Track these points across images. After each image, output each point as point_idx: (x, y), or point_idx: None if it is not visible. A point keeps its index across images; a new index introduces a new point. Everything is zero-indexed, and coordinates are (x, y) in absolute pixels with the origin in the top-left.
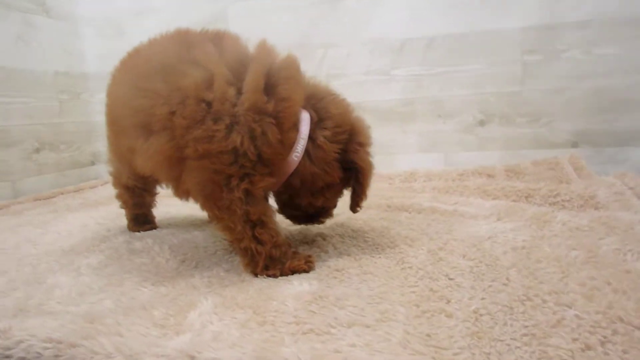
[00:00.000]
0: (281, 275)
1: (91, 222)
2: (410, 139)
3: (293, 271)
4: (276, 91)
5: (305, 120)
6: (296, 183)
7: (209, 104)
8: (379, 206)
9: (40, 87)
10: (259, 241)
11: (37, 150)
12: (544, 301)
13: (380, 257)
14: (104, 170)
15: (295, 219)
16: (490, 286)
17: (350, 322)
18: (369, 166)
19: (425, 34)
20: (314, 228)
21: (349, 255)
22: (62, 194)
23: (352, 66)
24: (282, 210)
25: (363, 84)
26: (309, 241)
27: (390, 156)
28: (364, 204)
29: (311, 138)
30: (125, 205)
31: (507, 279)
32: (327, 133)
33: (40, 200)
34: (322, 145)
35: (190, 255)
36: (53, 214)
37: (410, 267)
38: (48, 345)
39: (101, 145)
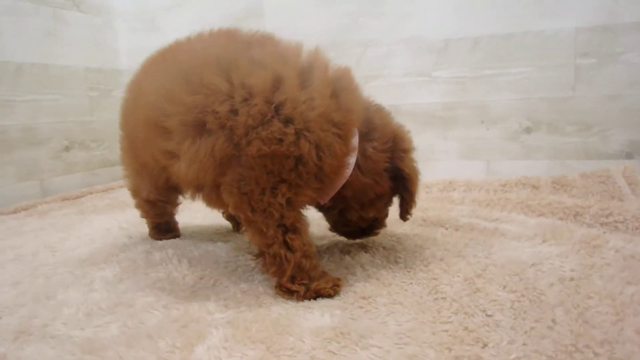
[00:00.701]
0: (305, 295)
1: (114, 227)
2: (451, 145)
3: (317, 294)
4: (339, 101)
5: (355, 133)
6: (348, 194)
7: (278, 107)
8: (414, 220)
9: (70, 83)
10: (289, 247)
11: (67, 149)
12: (596, 355)
13: (411, 284)
14: None
15: (349, 234)
16: (533, 328)
17: None
18: (415, 173)
19: (470, 34)
20: (343, 246)
21: (377, 279)
22: (90, 193)
23: (391, 66)
24: (334, 227)
25: (402, 86)
26: (336, 260)
27: (429, 163)
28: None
29: (360, 150)
30: (146, 215)
31: (553, 320)
32: (375, 144)
33: (68, 200)
34: (372, 156)
35: (209, 272)
36: (79, 215)
37: (444, 298)
38: None
39: None
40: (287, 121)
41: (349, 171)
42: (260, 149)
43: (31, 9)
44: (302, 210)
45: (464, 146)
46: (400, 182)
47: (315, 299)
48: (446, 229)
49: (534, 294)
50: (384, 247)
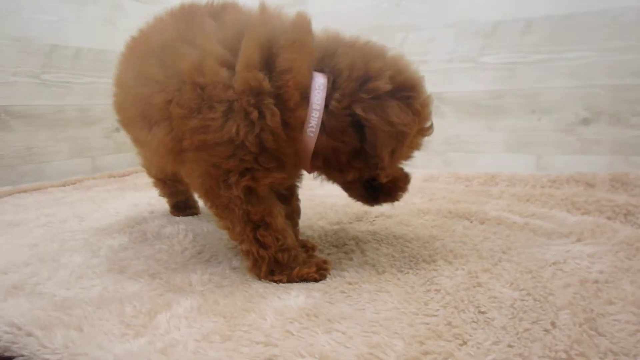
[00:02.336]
0: (288, 282)
1: (142, 202)
2: (498, 136)
3: (301, 279)
4: (276, 63)
5: (318, 88)
6: (318, 163)
7: (202, 88)
8: (440, 211)
9: None
10: (261, 244)
11: (117, 129)
12: None
13: (407, 274)
14: None
15: (360, 200)
16: (527, 330)
17: (325, 354)
18: (379, 120)
19: (522, 16)
20: (355, 233)
21: (373, 266)
22: (135, 172)
23: (434, 51)
24: (347, 192)
25: (445, 72)
26: (339, 244)
27: (472, 155)
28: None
29: (327, 106)
30: (162, 194)
31: (553, 324)
32: (338, 95)
33: (114, 177)
34: (335, 111)
35: (208, 247)
36: (118, 191)
37: (437, 290)
38: (8, 329)
39: None
40: (211, 106)
41: (312, 134)
42: (192, 142)
43: None
44: (274, 198)
45: (512, 138)
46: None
47: (301, 282)
48: (471, 221)
49: (541, 294)
50: (394, 236)
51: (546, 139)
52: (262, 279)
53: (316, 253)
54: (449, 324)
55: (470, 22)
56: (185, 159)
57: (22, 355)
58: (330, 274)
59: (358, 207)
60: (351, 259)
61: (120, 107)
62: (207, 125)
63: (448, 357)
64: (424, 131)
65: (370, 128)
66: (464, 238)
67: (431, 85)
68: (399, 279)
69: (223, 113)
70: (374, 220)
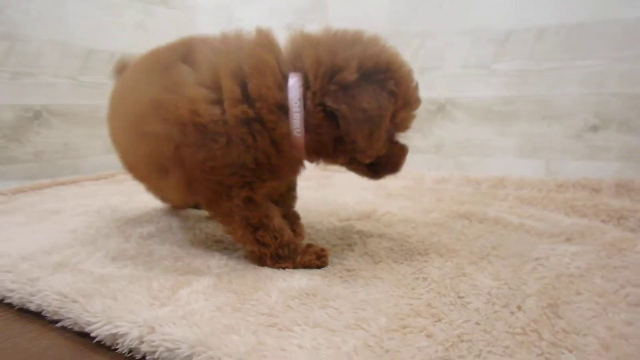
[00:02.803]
0: (293, 268)
1: None
2: (509, 141)
3: (304, 266)
4: (249, 92)
5: (294, 92)
6: (313, 156)
7: (204, 127)
8: (443, 211)
9: None
10: (261, 244)
11: None
12: (540, 339)
13: (402, 264)
14: None
15: (360, 174)
16: (496, 312)
17: (318, 323)
18: (349, 108)
19: (535, 24)
20: (361, 227)
21: (371, 257)
22: None
23: (449, 57)
24: (352, 171)
25: (459, 78)
26: (344, 237)
27: (483, 159)
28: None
29: (305, 105)
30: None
31: (519, 307)
32: (310, 93)
33: None
34: (310, 109)
35: (226, 237)
36: None
37: (425, 278)
38: (57, 297)
39: None
40: (214, 139)
41: (299, 134)
42: (201, 169)
43: (125, 3)
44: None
45: (522, 143)
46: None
47: (307, 267)
48: (470, 221)
49: (516, 284)
50: (397, 232)
51: (556, 145)
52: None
53: (321, 245)
54: (429, 305)
55: (485, 29)
56: (194, 182)
57: (69, 318)
58: (330, 262)
59: (367, 205)
60: (353, 250)
61: (125, 159)
62: (214, 154)
63: (422, 331)
64: (410, 105)
65: (342, 117)
66: (460, 235)
67: (446, 91)
68: (392, 268)
69: (225, 143)
70: (380, 218)
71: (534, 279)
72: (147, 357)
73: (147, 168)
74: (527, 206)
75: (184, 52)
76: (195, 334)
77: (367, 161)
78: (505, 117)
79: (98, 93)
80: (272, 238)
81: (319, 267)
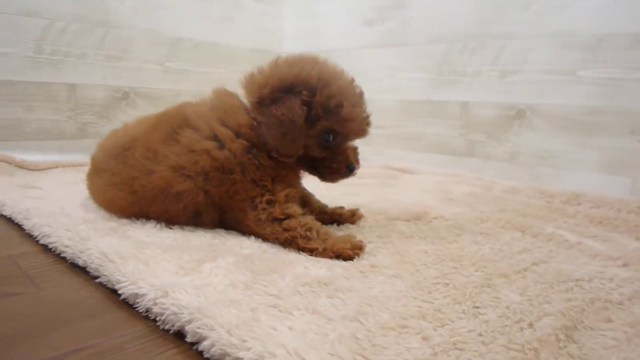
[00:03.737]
0: (324, 253)
1: None
2: (591, 155)
3: (336, 254)
4: (234, 128)
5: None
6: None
7: (222, 166)
8: (498, 221)
9: (237, 61)
10: (289, 229)
11: None
12: (535, 358)
13: (429, 268)
14: None
15: (314, 175)
16: (505, 326)
17: (318, 311)
18: (265, 117)
19: (630, 29)
20: (403, 226)
21: (402, 256)
22: None
23: (532, 62)
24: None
25: (542, 84)
26: (384, 235)
27: (561, 171)
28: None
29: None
30: None
31: (531, 324)
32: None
33: None
34: (255, 125)
35: None
36: None
37: (446, 284)
38: (99, 256)
39: None
40: (231, 170)
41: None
42: (227, 195)
43: None
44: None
45: (606, 158)
46: None
47: (336, 258)
48: (523, 234)
49: (540, 302)
50: (440, 236)
51: None
52: (301, 251)
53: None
54: (439, 310)
55: (572, 33)
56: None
57: (104, 275)
58: (362, 256)
59: (420, 207)
60: (386, 248)
61: (160, 218)
62: (235, 181)
63: (419, 333)
64: (329, 112)
65: (258, 125)
66: (504, 247)
67: (525, 96)
68: (417, 270)
69: (240, 171)
70: (429, 221)
71: (562, 299)
72: (157, 318)
73: (185, 217)
74: (595, 226)
75: (181, 121)
76: (200, 303)
77: (288, 161)
78: (589, 128)
79: (181, 79)
80: (297, 223)
81: (350, 257)
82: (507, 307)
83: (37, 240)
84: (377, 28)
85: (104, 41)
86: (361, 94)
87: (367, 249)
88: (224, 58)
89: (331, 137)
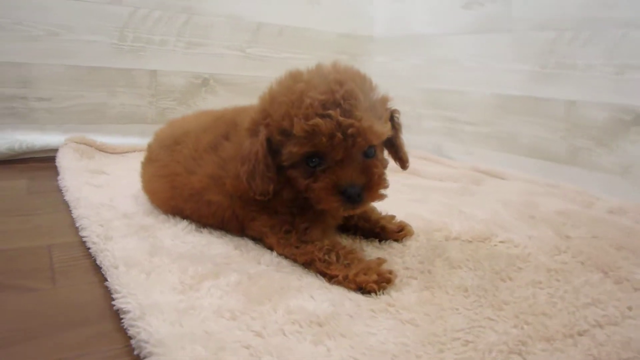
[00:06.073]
0: (344, 283)
1: None
2: None
3: (359, 286)
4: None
5: None
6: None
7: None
8: (580, 253)
9: (321, 46)
10: (304, 253)
11: None
12: None
13: (459, 314)
14: None
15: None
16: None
17: (292, 348)
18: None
19: None
20: (460, 248)
21: (433, 294)
22: None
23: None
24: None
25: None
26: (426, 261)
27: None
28: None
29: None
30: None
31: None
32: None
33: None
34: None
35: None
36: None
37: (467, 343)
38: (111, 259)
39: None
40: (249, 201)
41: None
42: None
43: None
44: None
45: None
46: None
47: (358, 291)
48: (604, 275)
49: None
50: (495, 270)
51: None
52: (320, 274)
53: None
54: None
55: None
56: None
57: (107, 281)
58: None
59: (490, 226)
60: (420, 280)
61: (192, 217)
62: (258, 208)
63: None
64: (286, 127)
65: None
66: (569, 294)
67: None
68: (441, 316)
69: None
70: (495, 245)
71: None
72: (131, 339)
73: (214, 221)
74: None
75: (229, 129)
76: (168, 333)
77: (257, 198)
78: None
79: (262, 65)
80: (313, 247)
81: (375, 291)
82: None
83: (78, 232)
84: (474, 11)
85: (185, 28)
86: (348, 97)
87: (398, 279)
88: (308, 43)
89: (317, 162)
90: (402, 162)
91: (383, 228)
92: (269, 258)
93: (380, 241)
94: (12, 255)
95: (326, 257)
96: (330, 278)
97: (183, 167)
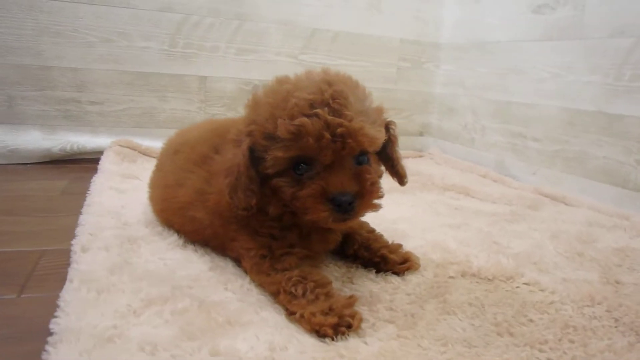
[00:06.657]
0: (301, 321)
1: None
2: None
3: (313, 328)
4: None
5: None
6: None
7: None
8: (617, 308)
9: (382, 53)
10: (273, 283)
11: None
12: None
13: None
14: (431, 142)
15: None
16: None
17: None
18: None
19: None
20: (469, 288)
21: (400, 347)
22: None
23: None
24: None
25: None
26: (422, 302)
27: None
28: None
29: None
30: None
31: None
32: None
33: None
34: None
35: None
36: None
37: None
38: (76, 273)
39: (434, 117)
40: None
41: None
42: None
43: None
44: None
45: None
46: None
47: (315, 333)
48: (619, 332)
49: None
50: (495, 322)
51: None
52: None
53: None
54: None
55: None
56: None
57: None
58: (348, 335)
59: (518, 263)
60: (393, 328)
61: (181, 231)
62: (233, 230)
63: None
64: (270, 131)
65: None
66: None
67: None
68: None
69: (236, 222)
70: (518, 287)
71: None
72: None
73: (196, 237)
74: None
75: (222, 140)
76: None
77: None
78: None
79: None
80: (282, 276)
81: (327, 336)
82: None
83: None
84: (546, 16)
85: (236, 34)
86: (337, 97)
87: (368, 324)
88: (366, 50)
89: (305, 168)
90: (400, 178)
91: (384, 258)
92: (240, 284)
93: (377, 272)
94: (1, 258)
95: (292, 289)
96: (291, 314)
97: (174, 178)
